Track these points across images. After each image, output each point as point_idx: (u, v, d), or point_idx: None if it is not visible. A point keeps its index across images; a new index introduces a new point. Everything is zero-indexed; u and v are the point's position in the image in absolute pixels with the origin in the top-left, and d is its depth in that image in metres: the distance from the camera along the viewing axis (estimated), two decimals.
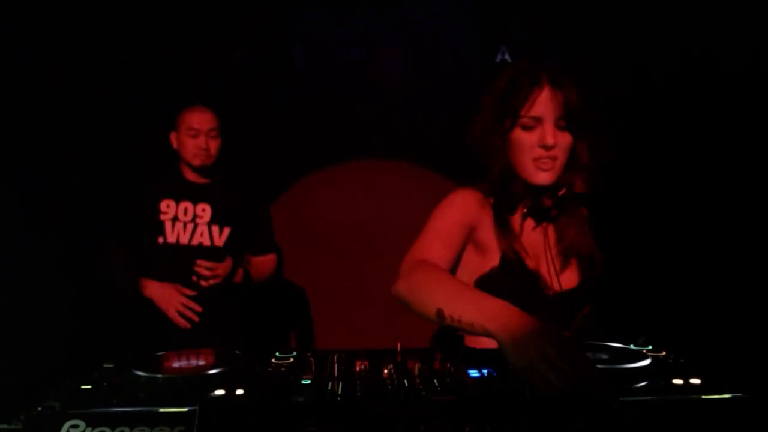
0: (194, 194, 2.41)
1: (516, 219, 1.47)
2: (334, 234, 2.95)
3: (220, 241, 2.40)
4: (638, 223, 2.20)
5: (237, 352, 1.16)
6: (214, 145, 2.35)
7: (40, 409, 0.84)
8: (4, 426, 0.84)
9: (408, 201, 2.79)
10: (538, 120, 1.36)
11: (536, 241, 1.48)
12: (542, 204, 1.43)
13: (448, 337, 1.26)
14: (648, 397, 0.91)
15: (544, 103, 1.35)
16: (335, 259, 2.94)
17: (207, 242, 2.38)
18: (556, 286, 1.45)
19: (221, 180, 2.45)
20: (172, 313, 2.26)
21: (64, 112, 2.25)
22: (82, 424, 0.82)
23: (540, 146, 1.36)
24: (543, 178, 1.38)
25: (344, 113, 2.83)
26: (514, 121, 1.38)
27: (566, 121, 1.36)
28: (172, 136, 2.40)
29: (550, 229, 1.50)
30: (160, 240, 2.34)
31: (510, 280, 1.41)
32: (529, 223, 1.48)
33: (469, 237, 1.47)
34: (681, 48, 2.27)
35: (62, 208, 2.19)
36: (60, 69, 2.21)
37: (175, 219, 2.36)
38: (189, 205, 2.39)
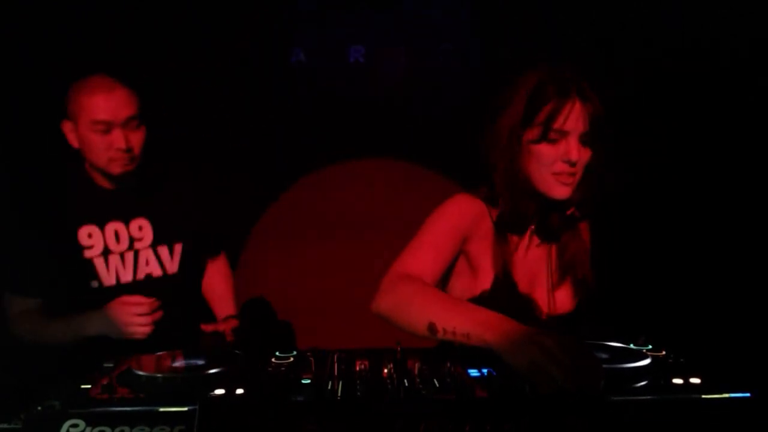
0: (122, 208, 1.68)
1: (517, 236, 1.44)
2: (334, 233, 2.95)
3: (173, 266, 1.75)
4: (638, 222, 2.20)
5: (237, 351, 1.16)
6: (137, 140, 1.60)
7: (40, 408, 0.85)
8: (4, 426, 0.84)
9: (408, 201, 2.78)
10: (564, 134, 1.31)
11: (537, 259, 1.46)
12: (551, 223, 1.41)
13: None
14: (648, 397, 0.91)
15: (574, 118, 1.29)
16: (335, 258, 2.94)
17: (157, 272, 1.72)
18: (551, 309, 1.44)
19: (149, 175, 1.72)
20: (136, 328, 1.52)
21: None
22: (82, 423, 0.82)
23: (563, 161, 1.31)
24: (562, 192, 1.34)
25: (344, 113, 2.83)
26: (544, 133, 1.31)
27: (590, 136, 1.32)
28: (66, 129, 1.61)
29: (553, 246, 1.47)
30: (94, 284, 1.65)
31: (500, 304, 1.35)
32: (534, 240, 1.45)
33: (462, 247, 1.43)
34: (682, 47, 2.27)
35: None
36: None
37: (106, 252, 1.65)
38: (119, 226, 1.67)
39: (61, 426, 0.82)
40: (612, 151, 1.39)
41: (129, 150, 1.58)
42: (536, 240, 1.45)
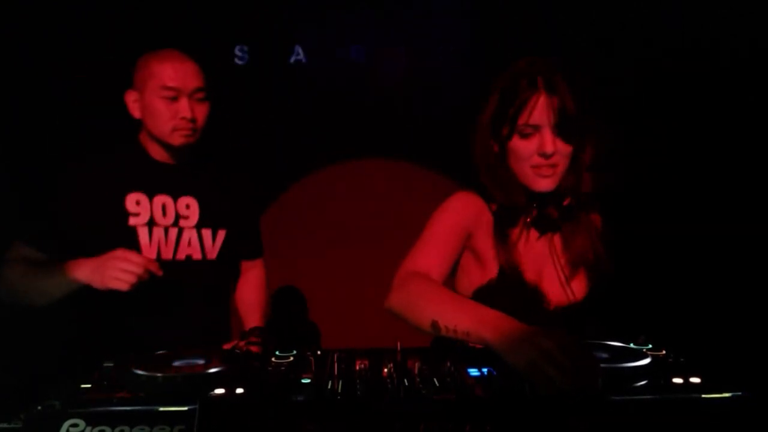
0: (173, 183, 1.64)
1: (517, 230, 1.45)
2: (334, 234, 2.95)
3: (213, 252, 1.68)
4: (637, 221, 2.20)
5: (237, 351, 1.16)
6: (201, 113, 1.61)
7: (40, 408, 0.84)
8: (4, 425, 0.84)
9: (408, 201, 2.79)
10: (536, 128, 1.32)
11: (540, 251, 1.46)
12: (547, 214, 1.41)
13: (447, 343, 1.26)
14: (648, 396, 0.91)
15: (541, 111, 1.30)
16: (335, 258, 2.94)
17: (197, 254, 1.65)
18: (558, 300, 1.44)
19: (204, 158, 1.71)
20: (123, 276, 1.37)
21: None
22: (82, 423, 0.82)
23: (539, 154, 1.33)
24: (544, 184, 1.35)
25: (344, 113, 2.83)
26: (512, 129, 1.34)
27: (564, 126, 1.32)
28: (129, 99, 1.61)
29: (556, 239, 1.47)
30: None
31: (508, 294, 1.39)
32: (533, 233, 1.45)
33: (466, 243, 1.45)
34: (682, 47, 2.27)
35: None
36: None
37: (151, 223, 1.59)
38: (167, 200, 1.63)
39: (61, 426, 0.82)
40: (604, 144, 1.39)
41: (193, 120, 1.57)
42: (535, 233, 1.46)
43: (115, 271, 1.37)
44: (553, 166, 1.34)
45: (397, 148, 2.91)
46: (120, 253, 1.40)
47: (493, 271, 1.42)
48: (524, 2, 2.66)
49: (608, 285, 1.46)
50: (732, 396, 0.90)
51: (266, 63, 2.78)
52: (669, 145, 2.35)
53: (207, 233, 1.67)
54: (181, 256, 1.63)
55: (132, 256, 1.40)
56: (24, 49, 2.11)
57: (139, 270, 1.38)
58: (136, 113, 1.61)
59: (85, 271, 1.41)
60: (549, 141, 1.31)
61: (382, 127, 2.86)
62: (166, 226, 1.61)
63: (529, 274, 1.42)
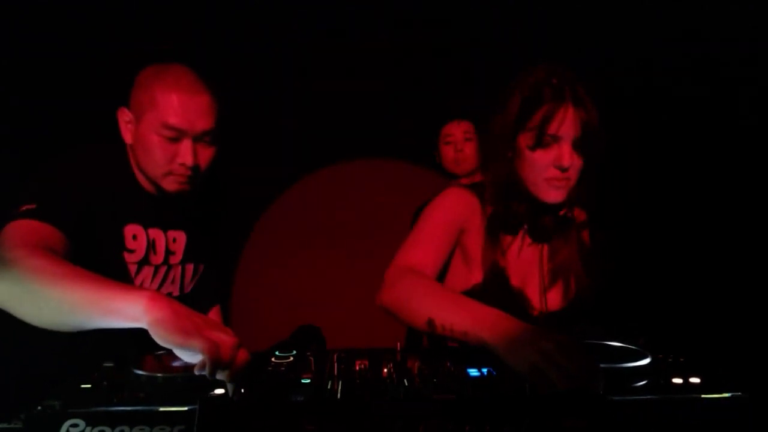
0: (163, 215, 1.45)
1: (510, 236, 1.45)
2: (334, 234, 2.96)
3: (189, 286, 1.55)
4: (638, 222, 2.20)
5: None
6: (205, 158, 1.37)
7: (40, 408, 0.84)
8: (4, 426, 0.84)
9: (407, 201, 2.79)
10: (557, 139, 1.30)
11: (530, 258, 1.46)
12: (544, 224, 1.40)
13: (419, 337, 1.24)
14: (648, 397, 0.91)
15: (568, 123, 1.28)
16: (335, 258, 2.94)
17: (176, 291, 1.50)
18: (542, 306, 1.44)
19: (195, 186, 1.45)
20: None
21: None
22: (81, 423, 0.82)
23: (555, 167, 1.31)
24: (555, 196, 1.34)
25: (344, 113, 2.83)
26: (536, 138, 1.30)
27: (584, 140, 1.30)
28: (122, 118, 1.37)
29: (545, 248, 1.47)
30: None
31: (493, 298, 1.37)
32: (526, 240, 1.46)
33: (458, 239, 1.44)
34: (681, 47, 2.27)
35: None
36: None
37: (144, 261, 1.41)
38: (159, 234, 1.45)
39: (61, 426, 0.82)
40: (609, 155, 1.38)
41: (194, 167, 1.34)
42: (528, 240, 1.46)
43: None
44: (567, 179, 1.33)
45: (396, 148, 2.92)
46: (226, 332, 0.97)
47: (478, 273, 1.42)
48: (526, 3, 2.66)
49: (586, 300, 1.46)
50: (732, 396, 0.90)
51: (266, 64, 2.78)
52: (668, 144, 2.35)
53: (190, 268, 1.54)
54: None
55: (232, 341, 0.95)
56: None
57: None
58: (128, 138, 1.38)
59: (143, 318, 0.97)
60: (567, 153, 1.30)
61: (382, 127, 2.86)
62: (157, 264, 1.45)
63: (515, 280, 1.42)
